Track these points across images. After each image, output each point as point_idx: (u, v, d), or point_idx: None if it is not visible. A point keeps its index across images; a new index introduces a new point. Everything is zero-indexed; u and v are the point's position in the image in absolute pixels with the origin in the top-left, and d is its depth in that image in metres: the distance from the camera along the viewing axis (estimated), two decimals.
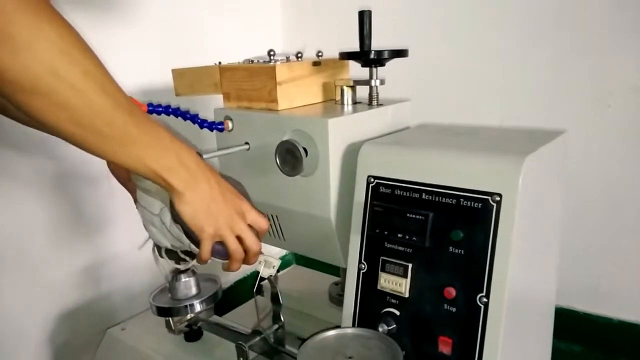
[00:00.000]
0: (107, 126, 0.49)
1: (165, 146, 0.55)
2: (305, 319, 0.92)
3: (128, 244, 1.14)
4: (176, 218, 0.68)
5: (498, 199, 0.61)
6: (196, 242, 0.66)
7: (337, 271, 1.02)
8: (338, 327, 0.71)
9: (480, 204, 0.62)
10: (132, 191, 0.81)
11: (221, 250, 0.67)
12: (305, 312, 0.95)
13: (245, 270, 1.42)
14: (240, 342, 0.71)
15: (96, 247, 1.09)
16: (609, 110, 1.06)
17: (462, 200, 0.64)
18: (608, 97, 1.06)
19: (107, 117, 0.49)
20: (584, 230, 1.12)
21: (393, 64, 0.83)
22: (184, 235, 0.69)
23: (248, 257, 0.66)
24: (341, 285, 0.98)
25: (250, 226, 0.66)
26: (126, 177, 0.74)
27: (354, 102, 0.86)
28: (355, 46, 0.83)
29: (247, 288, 1.36)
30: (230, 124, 0.86)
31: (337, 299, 0.96)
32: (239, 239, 0.65)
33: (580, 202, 1.11)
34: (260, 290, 1.08)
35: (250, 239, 0.65)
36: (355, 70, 0.90)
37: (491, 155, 0.63)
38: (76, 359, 1.07)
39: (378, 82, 0.84)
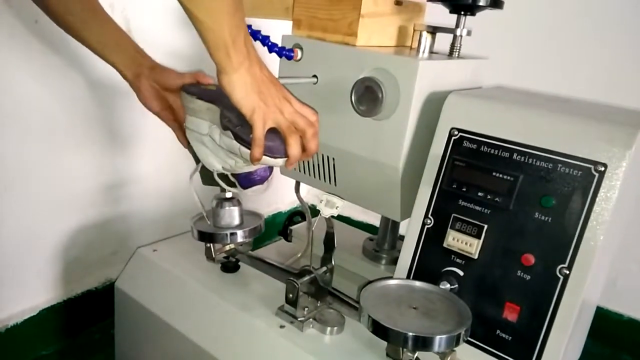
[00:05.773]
0: None
1: (241, 25, 0.57)
2: (337, 271, 0.88)
3: (151, 168, 1.09)
4: (225, 124, 0.64)
5: (602, 169, 0.57)
6: (247, 143, 0.62)
7: (366, 228, 0.98)
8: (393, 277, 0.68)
9: (580, 172, 0.59)
10: (167, 119, 0.76)
11: (274, 147, 0.63)
12: (337, 265, 0.91)
13: (271, 209, 1.38)
14: (292, 279, 0.68)
15: (120, 167, 1.03)
16: None
17: (559, 165, 0.60)
18: None
19: None
20: None
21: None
22: (234, 142, 0.64)
23: (306, 139, 0.63)
24: (377, 241, 0.95)
25: None
26: (159, 106, 0.75)
27: (431, 52, 0.81)
28: None
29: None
30: (299, 53, 0.80)
31: (372, 254, 0.93)
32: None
33: None
34: (288, 235, 1.05)
35: (302, 120, 0.63)
36: (432, 17, 0.84)
37: (600, 122, 0.60)
38: (86, 274, 1.03)
39: (465, 31, 0.78)
